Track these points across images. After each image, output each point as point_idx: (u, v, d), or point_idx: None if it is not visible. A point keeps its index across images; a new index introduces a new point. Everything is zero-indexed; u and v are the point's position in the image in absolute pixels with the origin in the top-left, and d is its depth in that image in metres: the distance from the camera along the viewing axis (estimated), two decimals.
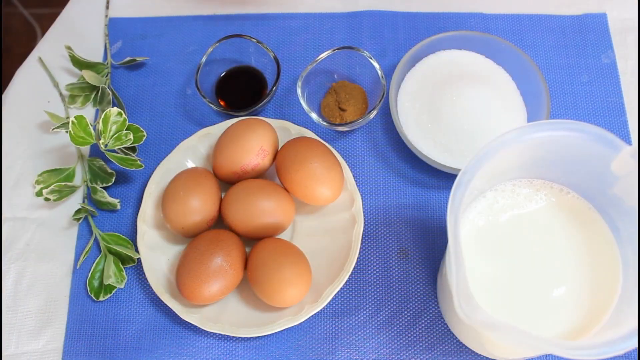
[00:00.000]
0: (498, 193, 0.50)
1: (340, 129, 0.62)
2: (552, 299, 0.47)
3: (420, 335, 0.56)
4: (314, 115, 0.60)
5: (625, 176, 0.44)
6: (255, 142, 0.57)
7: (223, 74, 0.66)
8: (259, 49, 0.64)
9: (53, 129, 0.60)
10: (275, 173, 0.60)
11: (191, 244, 0.55)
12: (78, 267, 0.60)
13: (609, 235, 0.48)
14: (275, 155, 0.59)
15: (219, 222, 0.59)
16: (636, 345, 0.38)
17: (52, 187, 0.59)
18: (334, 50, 0.62)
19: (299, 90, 0.61)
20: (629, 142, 0.63)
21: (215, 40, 0.64)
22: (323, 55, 0.62)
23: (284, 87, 0.67)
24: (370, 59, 0.61)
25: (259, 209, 0.56)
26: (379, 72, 0.61)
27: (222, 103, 0.65)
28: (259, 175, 0.59)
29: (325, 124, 0.61)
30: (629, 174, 0.43)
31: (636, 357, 0.55)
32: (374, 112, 0.60)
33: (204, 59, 0.63)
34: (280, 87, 0.66)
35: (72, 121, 0.56)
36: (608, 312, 0.46)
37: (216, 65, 0.65)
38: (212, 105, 0.62)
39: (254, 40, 0.63)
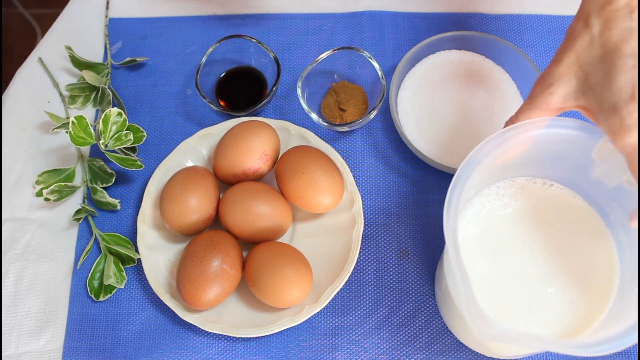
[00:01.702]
0: (484, 198, 0.50)
1: (340, 129, 0.62)
2: (548, 296, 0.47)
3: (420, 335, 0.56)
4: (314, 116, 0.60)
5: (606, 162, 0.43)
6: (258, 145, 0.57)
7: (223, 74, 0.66)
8: (259, 49, 0.64)
9: (53, 129, 0.60)
10: (273, 177, 0.60)
11: (187, 250, 0.55)
12: (78, 267, 0.60)
13: (599, 222, 0.48)
14: (276, 159, 0.59)
15: (217, 221, 0.59)
16: (636, 341, 0.38)
17: (52, 187, 0.59)
18: (334, 50, 0.62)
19: (299, 91, 0.61)
20: None
21: (215, 41, 0.64)
22: (323, 55, 0.62)
23: (284, 87, 0.67)
24: (370, 59, 0.61)
25: (257, 212, 0.56)
26: (379, 72, 0.61)
27: (222, 103, 0.65)
28: (258, 178, 0.59)
29: (325, 124, 0.61)
30: (610, 159, 0.43)
31: (636, 353, 0.55)
32: (374, 112, 0.60)
33: (204, 59, 0.63)
34: (280, 87, 0.66)
35: (72, 121, 0.56)
36: (607, 305, 0.46)
37: (216, 65, 0.65)
38: (212, 106, 0.62)
39: (254, 40, 0.63)
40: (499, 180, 0.51)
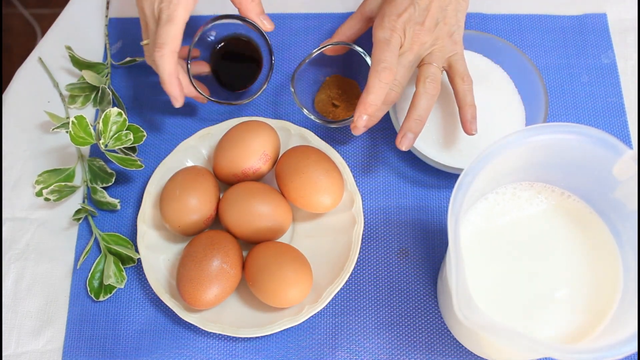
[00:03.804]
0: (499, 195, 0.50)
1: (332, 125, 0.61)
2: (553, 302, 0.47)
3: (420, 336, 0.56)
4: (305, 111, 0.60)
5: (626, 180, 0.43)
6: (258, 146, 0.57)
7: (219, 46, 0.64)
8: (247, 29, 0.62)
9: (53, 129, 0.60)
10: (273, 177, 0.60)
11: (187, 250, 0.55)
12: (78, 267, 0.60)
13: (610, 239, 0.48)
14: (276, 159, 0.59)
15: (217, 221, 0.59)
16: (636, 350, 0.38)
17: (52, 187, 0.59)
18: (327, 45, 0.61)
19: (292, 85, 0.60)
20: (629, 142, 0.63)
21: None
22: (316, 51, 0.61)
23: (282, 87, 0.67)
24: (364, 56, 0.61)
25: (257, 212, 0.56)
26: None
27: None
28: (258, 178, 0.59)
29: (318, 120, 0.61)
30: (630, 178, 0.43)
31: None
32: None
33: (195, 40, 0.61)
34: (279, 88, 0.66)
35: (72, 121, 0.56)
36: (608, 316, 0.46)
37: (207, 51, 0.64)
38: (209, 99, 0.62)
39: (241, 21, 0.61)
40: (517, 182, 0.50)
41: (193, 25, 0.70)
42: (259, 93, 0.62)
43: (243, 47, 0.64)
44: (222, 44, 0.64)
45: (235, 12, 0.62)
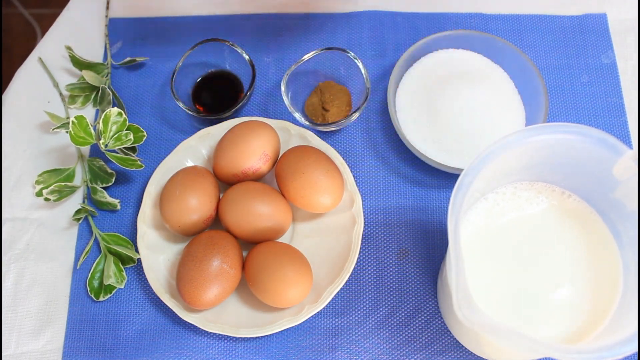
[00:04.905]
0: (499, 195, 0.50)
1: (321, 129, 0.61)
2: (553, 302, 0.47)
3: (420, 337, 0.56)
4: (297, 115, 0.60)
5: (626, 180, 0.43)
6: (258, 146, 0.57)
7: (199, 79, 0.66)
8: (233, 52, 0.64)
9: (53, 129, 0.60)
10: (273, 177, 0.60)
11: (187, 250, 0.55)
12: (78, 267, 0.60)
13: (610, 239, 0.48)
14: (276, 159, 0.59)
15: (217, 221, 0.59)
16: (636, 350, 0.38)
17: (52, 187, 0.59)
18: (320, 50, 0.61)
19: (283, 88, 0.61)
20: (629, 143, 0.63)
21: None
22: (307, 56, 0.61)
23: (276, 85, 0.67)
24: (355, 60, 0.61)
25: (257, 213, 0.56)
26: (364, 75, 0.61)
27: (199, 108, 0.65)
28: (258, 178, 0.59)
29: (307, 123, 0.61)
30: (630, 178, 0.43)
31: None
32: (357, 114, 0.60)
33: (179, 64, 0.63)
34: (277, 85, 0.66)
35: (72, 121, 0.56)
36: (608, 316, 0.46)
37: (194, 68, 0.65)
38: (188, 111, 0.62)
39: (229, 43, 0.63)
40: (517, 182, 0.50)
41: (191, 24, 0.70)
42: (236, 107, 0.62)
43: (222, 78, 0.66)
44: (200, 78, 0.66)
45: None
